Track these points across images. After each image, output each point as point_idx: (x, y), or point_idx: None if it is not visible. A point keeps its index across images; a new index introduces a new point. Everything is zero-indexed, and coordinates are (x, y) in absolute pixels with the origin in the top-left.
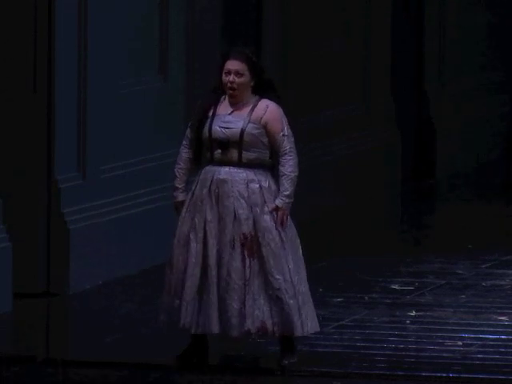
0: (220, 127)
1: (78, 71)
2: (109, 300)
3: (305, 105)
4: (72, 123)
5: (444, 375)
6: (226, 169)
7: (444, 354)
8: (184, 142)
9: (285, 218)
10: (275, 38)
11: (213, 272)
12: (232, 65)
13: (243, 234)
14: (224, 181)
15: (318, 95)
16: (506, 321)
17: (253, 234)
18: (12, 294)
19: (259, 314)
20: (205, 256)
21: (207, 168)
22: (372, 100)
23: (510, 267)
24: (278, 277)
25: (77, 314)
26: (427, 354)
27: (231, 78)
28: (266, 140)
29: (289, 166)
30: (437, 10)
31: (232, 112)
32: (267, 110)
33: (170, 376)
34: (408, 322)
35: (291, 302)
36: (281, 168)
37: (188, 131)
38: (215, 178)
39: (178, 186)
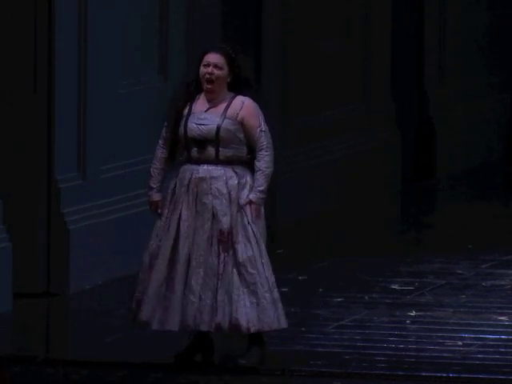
0: (196, 124)
1: (78, 71)
2: (109, 300)
3: (305, 105)
4: (72, 123)
5: (444, 375)
6: (204, 167)
7: (444, 354)
8: (160, 142)
9: (258, 212)
10: (275, 38)
11: (180, 270)
12: (212, 58)
13: (221, 230)
14: (202, 179)
15: (318, 95)
16: (506, 321)
17: (229, 230)
18: (12, 294)
19: (233, 309)
20: (174, 253)
21: (185, 167)
22: (372, 100)
23: (510, 267)
24: (252, 271)
25: (77, 314)
26: (427, 354)
27: (210, 69)
28: (242, 136)
29: (264, 162)
30: (437, 9)
31: (208, 109)
32: (243, 105)
33: (170, 376)
34: (408, 321)
35: (267, 295)
36: (256, 163)
37: (163, 130)
38: (193, 176)
39: (152, 185)
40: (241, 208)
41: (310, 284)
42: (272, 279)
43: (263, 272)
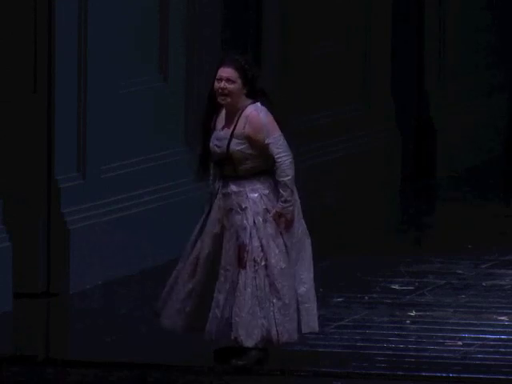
0: (214, 144)
1: (78, 71)
2: (109, 300)
3: (305, 105)
4: (72, 123)
5: (444, 375)
6: (228, 182)
7: (444, 354)
8: None
9: (286, 222)
10: (275, 38)
11: (203, 279)
12: (224, 72)
13: (245, 244)
14: (226, 194)
15: (318, 95)
16: (506, 321)
17: (257, 244)
18: (12, 294)
19: (265, 322)
20: (199, 261)
21: (215, 183)
22: (372, 100)
23: (510, 267)
24: (284, 283)
25: (77, 313)
26: (427, 354)
27: (222, 84)
28: (254, 151)
29: (281, 171)
30: (437, 10)
31: (223, 127)
32: (247, 120)
33: (170, 376)
34: (408, 321)
35: (293, 304)
36: (276, 175)
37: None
38: (219, 192)
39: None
40: (270, 219)
41: None
42: (300, 286)
43: (292, 284)
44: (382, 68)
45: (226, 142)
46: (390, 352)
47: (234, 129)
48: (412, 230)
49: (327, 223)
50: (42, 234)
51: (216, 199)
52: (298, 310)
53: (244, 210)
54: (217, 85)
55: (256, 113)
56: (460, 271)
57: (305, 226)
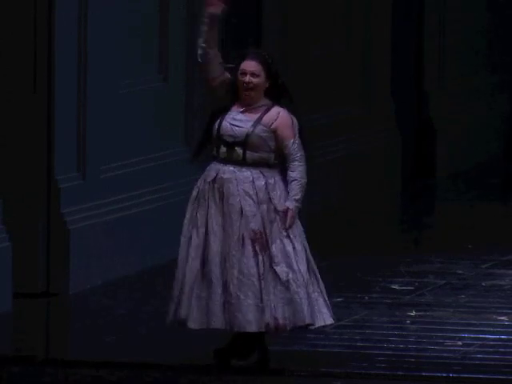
0: (230, 124)
1: (78, 71)
2: (109, 300)
3: (305, 105)
4: (72, 123)
5: (444, 375)
6: (231, 167)
7: (444, 354)
8: None
9: (293, 220)
10: (275, 38)
11: (214, 268)
12: (248, 65)
13: (253, 230)
14: (229, 180)
15: (318, 95)
16: (506, 321)
17: (261, 230)
18: (12, 294)
19: (272, 309)
20: (205, 251)
21: (212, 165)
22: (372, 100)
23: (510, 267)
24: (285, 269)
25: (77, 313)
26: (427, 354)
27: (247, 78)
28: (272, 144)
29: (298, 172)
30: (437, 9)
31: (244, 111)
32: (279, 115)
33: (170, 376)
34: (408, 321)
35: (299, 290)
36: (290, 173)
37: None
38: (219, 176)
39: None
40: (274, 209)
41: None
42: (307, 276)
43: (297, 268)
44: (382, 68)
45: (251, 124)
46: (390, 352)
47: (262, 116)
48: (412, 230)
49: (327, 223)
50: (41, 234)
51: (209, 180)
52: (309, 295)
53: (251, 196)
54: (241, 79)
55: (288, 113)
56: (460, 271)
57: (301, 229)
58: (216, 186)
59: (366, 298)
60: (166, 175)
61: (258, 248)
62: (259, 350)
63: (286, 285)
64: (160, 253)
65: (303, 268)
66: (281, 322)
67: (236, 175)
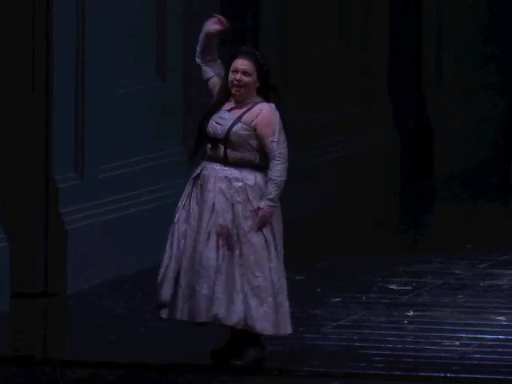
0: (215, 122)
1: (76, 71)
2: (107, 300)
3: (305, 105)
4: (70, 123)
5: (442, 375)
6: (214, 165)
7: (442, 354)
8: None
9: (264, 220)
10: (275, 38)
11: (184, 262)
12: (240, 64)
13: (220, 225)
14: (208, 177)
15: (318, 95)
16: (504, 321)
17: (230, 227)
18: (10, 294)
19: (236, 308)
20: (183, 245)
21: (201, 162)
22: (371, 100)
23: (508, 267)
24: (257, 274)
25: (75, 313)
26: (425, 354)
27: (238, 76)
28: (254, 143)
29: (276, 171)
30: (435, 10)
31: (231, 109)
32: (260, 113)
33: (170, 376)
34: (406, 321)
35: (270, 299)
36: (268, 172)
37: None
38: (202, 172)
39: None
40: (253, 212)
41: (309, 284)
42: (279, 284)
43: (269, 276)
44: (381, 68)
45: (231, 122)
46: (388, 352)
47: (243, 114)
48: (410, 230)
49: (326, 223)
50: (40, 234)
51: (193, 176)
52: (276, 305)
53: (226, 195)
54: (232, 76)
55: (271, 110)
56: (458, 271)
57: (281, 230)
58: (199, 182)
59: (364, 298)
60: (164, 175)
61: (220, 242)
62: (257, 349)
63: (256, 291)
64: (158, 253)
65: (275, 276)
66: (255, 323)
67: (216, 173)
